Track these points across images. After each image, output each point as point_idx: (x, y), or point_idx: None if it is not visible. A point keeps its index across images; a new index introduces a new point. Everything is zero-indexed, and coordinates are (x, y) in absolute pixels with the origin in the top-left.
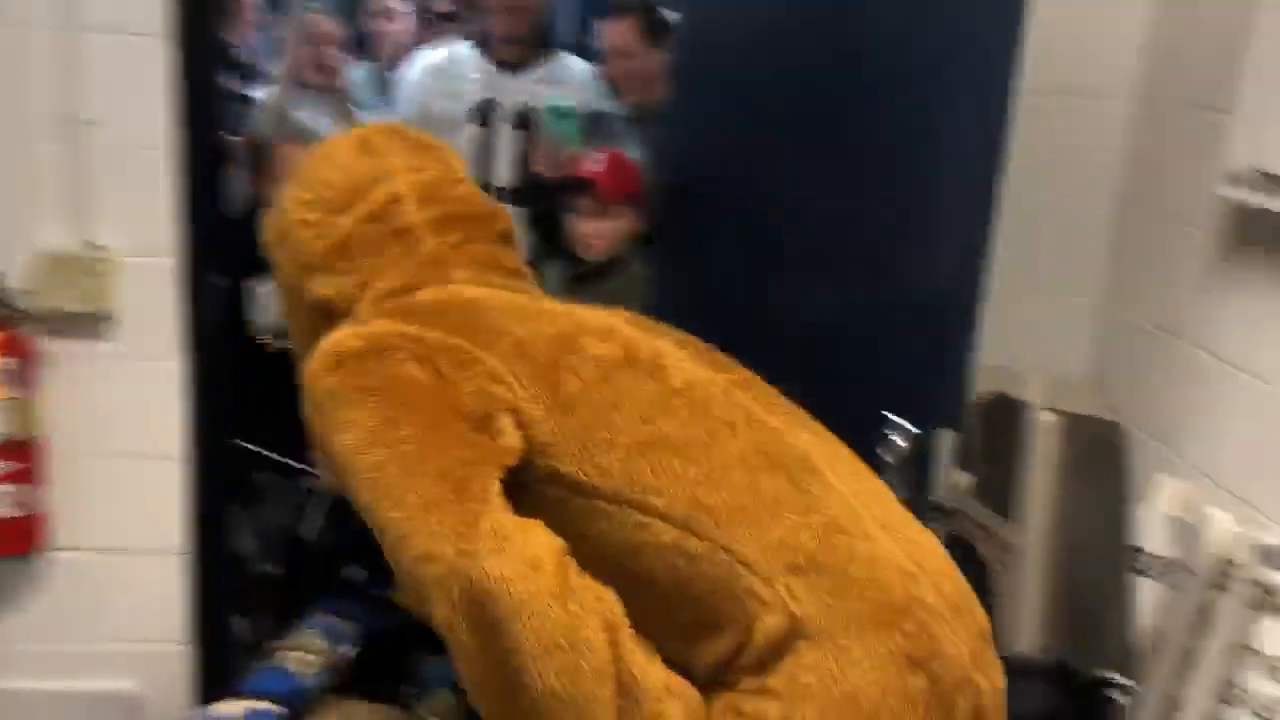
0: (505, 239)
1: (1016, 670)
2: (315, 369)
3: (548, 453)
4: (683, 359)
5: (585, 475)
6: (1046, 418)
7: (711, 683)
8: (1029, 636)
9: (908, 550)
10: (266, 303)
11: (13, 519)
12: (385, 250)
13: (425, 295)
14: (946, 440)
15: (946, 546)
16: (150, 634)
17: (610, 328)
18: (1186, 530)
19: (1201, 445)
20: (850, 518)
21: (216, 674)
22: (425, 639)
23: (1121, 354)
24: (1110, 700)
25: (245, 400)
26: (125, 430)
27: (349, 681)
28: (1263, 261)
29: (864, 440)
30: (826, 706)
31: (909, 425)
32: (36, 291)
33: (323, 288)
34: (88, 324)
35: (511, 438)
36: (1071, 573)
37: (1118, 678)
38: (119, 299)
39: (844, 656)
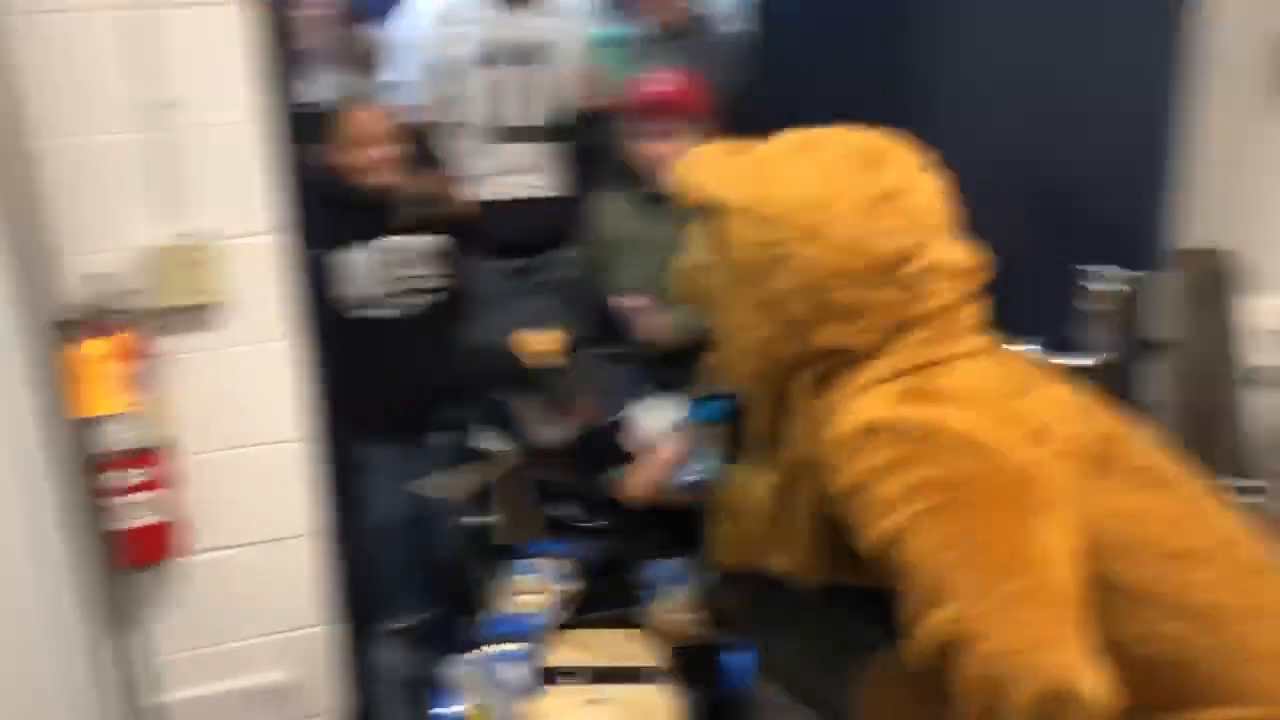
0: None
1: None
2: (860, 438)
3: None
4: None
5: (1115, 575)
6: None
7: None
8: None
9: None
10: (350, 273)
11: (151, 526)
12: (910, 307)
13: (958, 376)
14: (1157, 282)
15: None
16: (295, 621)
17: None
18: None
19: None
20: None
21: (362, 652)
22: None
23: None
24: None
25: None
26: (250, 420)
27: (581, 611)
28: None
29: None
30: None
31: (1115, 270)
32: (141, 290)
33: (833, 338)
34: (198, 316)
35: (1070, 538)
36: (1186, 394)
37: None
38: (227, 285)
39: None
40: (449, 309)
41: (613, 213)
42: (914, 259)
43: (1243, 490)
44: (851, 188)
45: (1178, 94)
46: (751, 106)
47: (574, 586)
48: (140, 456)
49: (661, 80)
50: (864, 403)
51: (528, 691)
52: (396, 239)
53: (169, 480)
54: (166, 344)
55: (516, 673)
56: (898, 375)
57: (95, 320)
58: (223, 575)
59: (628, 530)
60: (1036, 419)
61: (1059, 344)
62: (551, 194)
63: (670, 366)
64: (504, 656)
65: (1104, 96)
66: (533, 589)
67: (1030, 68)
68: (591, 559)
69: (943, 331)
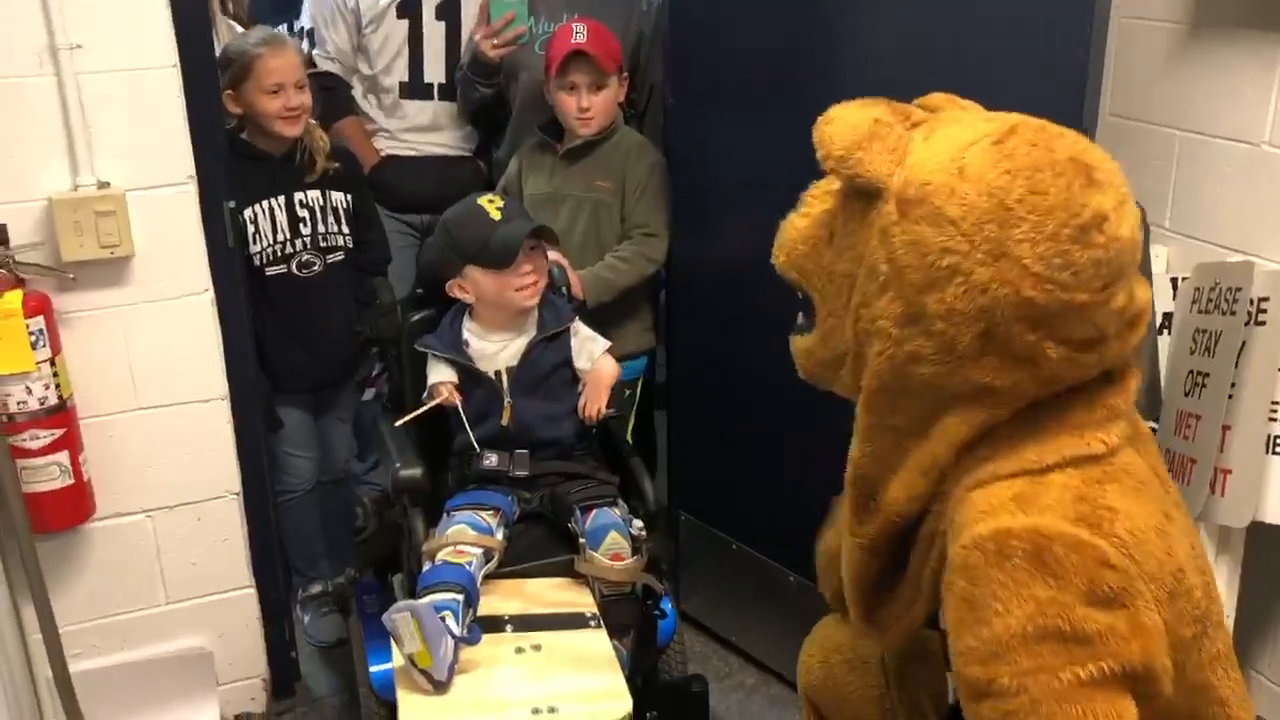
0: None
1: None
2: (1012, 542)
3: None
4: None
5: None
6: None
7: None
8: None
9: None
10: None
11: (64, 489)
12: (1091, 357)
13: (1126, 492)
14: None
15: None
16: (215, 586)
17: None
18: (1205, 287)
19: (1196, 214)
20: None
21: (282, 614)
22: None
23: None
24: None
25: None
26: (166, 378)
27: (515, 560)
28: (1222, 35)
29: None
30: None
31: None
32: (48, 243)
33: (993, 376)
34: (109, 269)
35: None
36: None
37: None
38: (140, 238)
39: None
40: (356, 265)
41: (528, 168)
42: (1114, 300)
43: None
44: (1061, 204)
45: (1094, 46)
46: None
47: (507, 536)
48: (49, 417)
49: (577, 32)
50: (1029, 493)
51: (462, 639)
52: (305, 194)
53: (81, 441)
54: (76, 300)
55: (451, 621)
56: (1062, 465)
57: (0, 275)
58: (138, 540)
59: (561, 479)
60: (1175, 561)
61: None
62: (460, 151)
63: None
64: (439, 605)
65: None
66: (468, 540)
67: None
68: (525, 509)
69: (1105, 406)
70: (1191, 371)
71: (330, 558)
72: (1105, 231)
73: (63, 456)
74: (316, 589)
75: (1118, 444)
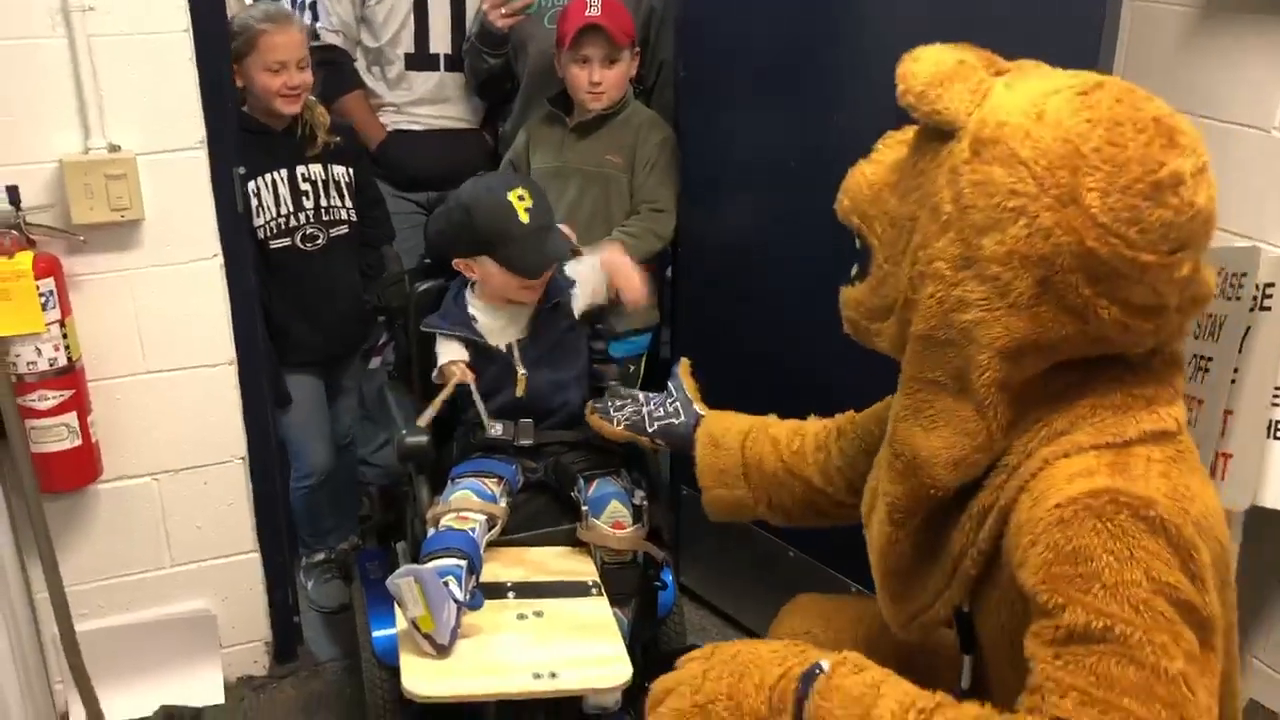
0: None
1: None
2: (1101, 498)
3: None
4: None
5: None
6: None
7: None
8: None
9: None
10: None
11: (71, 450)
12: (1157, 325)
13: (1191, 474)
14: None
15: None
16: (219, 549)
17: None
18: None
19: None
20: None
21: (286, 579)
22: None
23: None
24: None
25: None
26: (175, 342)
27: (518, 528)
28: (1234, 20)
29: None
30: None
31: None
32: (59, 205)
33: (1053, 328)
34: (120, 233)
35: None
36: None
37: None
38: (151, 202)
39: None
40: (358, 239)
41: (536, 142)
42: (1179, 268)
43: None
44: (1138, 159)
45: (1108, 29)
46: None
47: (510, 504)
48: (58, 378)
49: (589, 5)
50: (1121, 462)
51: (465, 604)
52: (307, 168)
53: (89, 403)
54: (86, 262)
55: (454, 586)
56: (1143, 440)
57: (12, 236)
58: (144, 502)
59: (565, 448)
60: (1229, 550)
61: None
62: (466, 124)
63: None
64: (442, 570)
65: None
66: (471, 507)
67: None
68: (529, 478)
69: (1172, 385)
70: (1195, 356)
71: (336, 530)
72: (1180, 194)
73: (71, 418)
74: (320, 556)
75: (1183, 424)
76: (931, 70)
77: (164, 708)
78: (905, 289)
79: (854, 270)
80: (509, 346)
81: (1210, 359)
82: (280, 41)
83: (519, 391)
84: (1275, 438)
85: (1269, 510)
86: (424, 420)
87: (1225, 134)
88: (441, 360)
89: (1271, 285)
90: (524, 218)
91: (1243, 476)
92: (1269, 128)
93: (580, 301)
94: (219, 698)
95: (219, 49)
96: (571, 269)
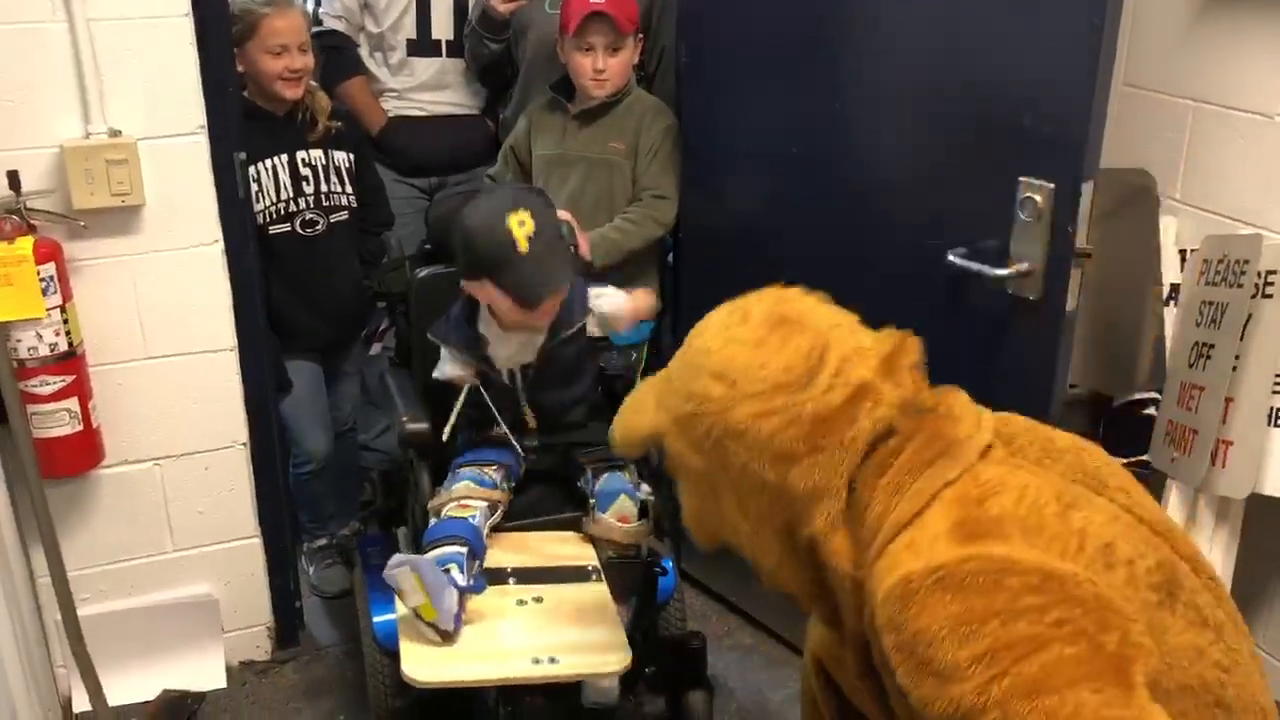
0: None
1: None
2: (915, 587)
3: None
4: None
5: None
6: None
7: None
8: (1075, 369)
9: None
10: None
11: (73, 435)
12: (857, 416)
13: (996, 501)
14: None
15: None
16: (223, 534)
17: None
18: (1213, 259)
19: (1208, 186)
20: None
21: (286, 564)
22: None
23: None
24: (1143, 417)
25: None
26: (177, 327)
27: (522, 517)
28: (1237, 6)
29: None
30: None
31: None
32: (55, 190)
33: (804, 477)
34: (121, 218)
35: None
36: (1103, 311)
37: (1152, 395)
38: (152, 187)
39: None
40: (359, 225)
41: (538, 129)
42: (823, 362)
43: (1145, 403)
44: (747, 353)
45: (1110, 11)
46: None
47: (512, 492)
48: (59, 364)
49: None
50: (914, 546)
51: (467, 589)
52: (307, 153)
53: (90, 389)
54: (87, 248)
55: (456, 572)
56: (929, 502)
57: (12, 221)
58: (146, 487)
59: (570, 441)
60: (1099, 538)
61: (993, 254)
62: (468, 110)
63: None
64: (444, 558)
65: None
66: (473, 494)
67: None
68: (534, 468)
69: (935, 434)
70: (1197, 343)
71: (337, 515)
72: (782, 333)
73: (72, 403)
74: (321, 541)
75: (971, 463)
76: (623, 423)
77: (166, 691)
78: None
79: None
80: (511, 374)
81: (1212, 346)
82: (282, 25)
83: (530, 423)
84: (1276, 425)
85: (1270, 498)
86: (445, 434)
87: (1228, 120)
88: (447, 374)
89: (1274, 273)
90: (523, 246)
91: (1243, 464)
92: (1272, 114)
93: (592, 328)
94: (221, 682)
95: (221, 33)
96: (594, 301)
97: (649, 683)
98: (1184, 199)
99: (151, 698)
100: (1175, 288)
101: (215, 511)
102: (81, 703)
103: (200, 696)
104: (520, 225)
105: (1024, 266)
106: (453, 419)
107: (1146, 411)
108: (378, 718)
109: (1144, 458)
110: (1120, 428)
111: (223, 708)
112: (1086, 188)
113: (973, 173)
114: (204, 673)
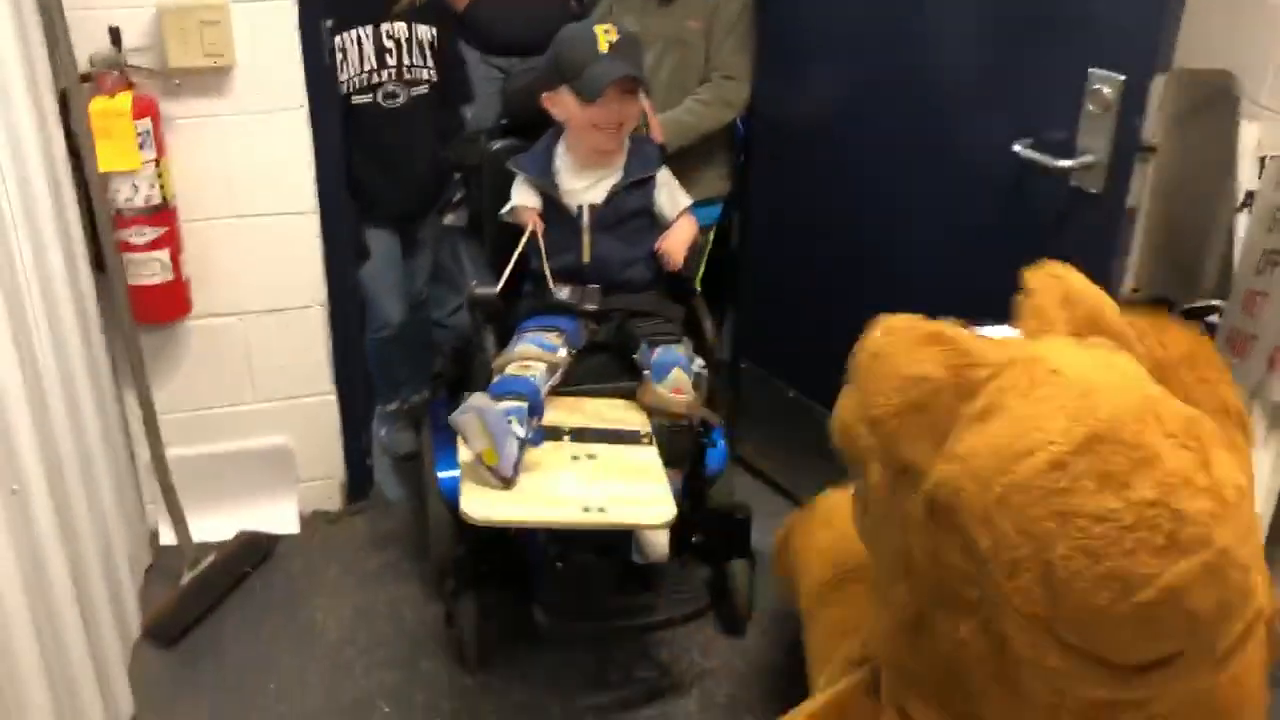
0: None
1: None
2: None
3: None
4: None
5: None
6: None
7: None
8: (1139, 272)
9: None
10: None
11: (163, 285)
12: None
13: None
14: (1157, 86)
15: None
16: (299, 389)
17: None
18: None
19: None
20: None
21: (359, 423)
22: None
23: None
24: (1208, 324)
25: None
26: (258, 189)
27: (580, 382)
28: None
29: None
30: None
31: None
32: (152, 48)
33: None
34: (212, 79)
35: None
36: (1174, 216)
37: (1216, 303)
38: (241, 49)
39: None
40: (439, 99)
41: (621, 4)
42: None
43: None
44: (1109, 572)
45: None
46: None
47: (572, 355)
48: (153, 215)
49: None
50: None
51: (527, 440)
52: (392, 25)
53: (181, 242)
54: (181, 106)
55: (516, 424)
56: None
57: (113, 77)
58: (230, 340)
59: (628, 310)
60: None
61: (1058, 146)
62: None
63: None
64: (506, 411)
65: None
66: (534, 356)
67: None
68: (591, 338)
69: None
70: (1266, 250)
71: (410, 382)
72: (1173, 603)
73: (164, 254)
74: (394, 405)
75: None
76: (893, 392)
77: (243, 532)
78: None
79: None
80: (580, 209)
81: (1277, 251)
82: None
83: (585, 256)
84: None
85: None
86: (501, 281)
87: None
88: (515, 201)
89: None
90: (603, 47)
91: None
92: None
93: (659, 203)
94: (295, 528)
95: None
96: (661, 180)
97: (697, 551)
98: (1270, 105)
99: (230, 537)
100: (1251, 195)
101: (294, 367)
102: (168, 536)
103: (274, 539)
104: (605, 33)
105: (1088, 159)
106: (513, 261)
107: (1209, 319)
108: (437, 566)
109: None
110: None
111: (295, 551)
112: (1156, 81)
113: (1042, 63)
114: (279, 518)
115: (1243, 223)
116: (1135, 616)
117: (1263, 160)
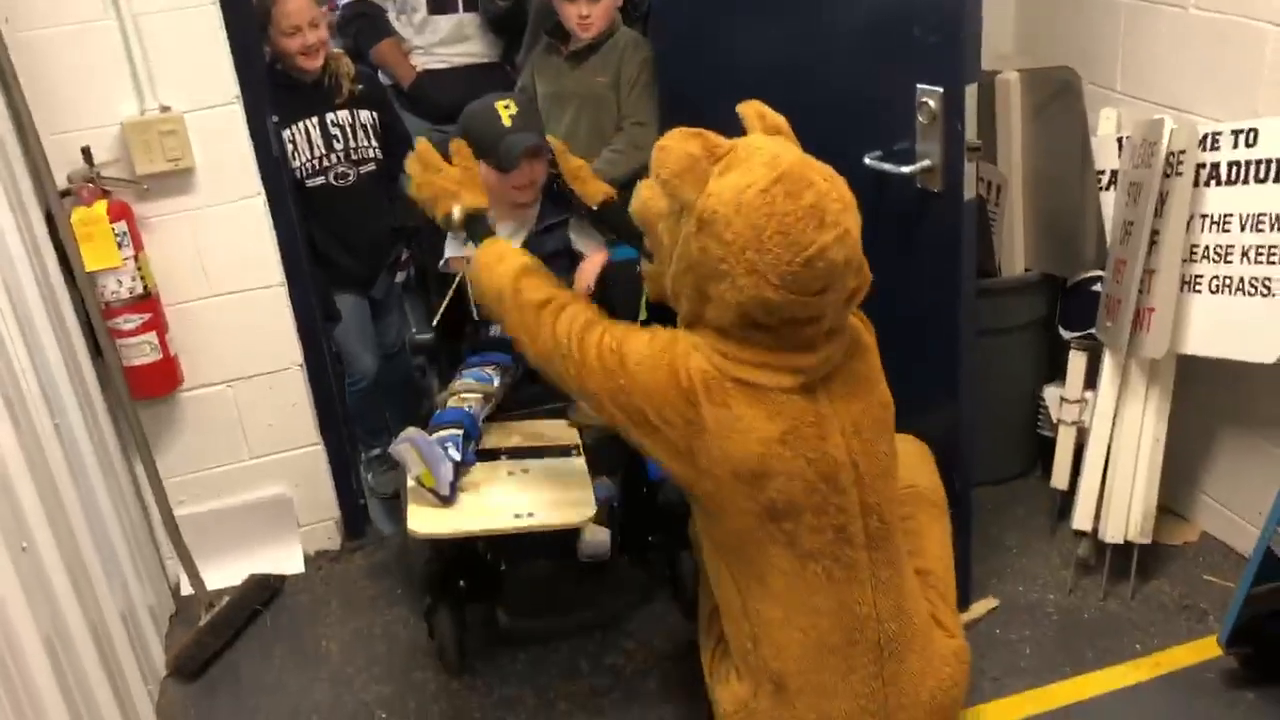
0: None
1: (1011, 289)
2: None
3: None
4: None
5: None
6: (1008, 76)
7: None
8: (1019, 258)
9: None
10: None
11: (154, 364)
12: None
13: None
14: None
15: None
16: (291, 442)
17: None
18: (1136, 143)
19: (1139, 76)
20: None
21: (347, 467)
22: None
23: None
24: (1094, 293)
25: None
26: (229, 270)
27: (515, 408)
28: None
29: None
30: None
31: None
32: (120, 160)
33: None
34: (175, 180)
35: None
36: (1046, 200)
37: (1097, 273)
38: (198, 152)
39: None
40: (387, 173)
41: (539, 70)
42: (823, 300)
43: (1092, 280)
44: (797, 241)
45: None
46: None
47: (507, 385)
48: (139, 303)
49: None
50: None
51: (461, 462)
52: (335, 114)
53: (166, 323)
54: (152, 207)
55: (452, 449)
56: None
57: (89, 189)
58: (221, 405)
59: None
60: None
61: (901, 154)
62: (487, 58)
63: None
64: (442, 439)
65: None
66: (470, 389)
67: None
68: (526, 367)
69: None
70: (1125, 222)
71: (391, 428)
72: (825, 258)
73: (152, 336)
74: (377, 451)
75: (790, 385)
76: (673, 163)
77: (252, 576)
78: (670, 286)
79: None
80: None
81: (1133, 223)
82: (290, 8)
83: None
84: (1192, 291)
85: (1191, 357)
86: (434, 323)
87: (1154, 13)
88: (448, 254)
89: (1182, 153)
90: (506, 121)
91: (1163, 328)
92: (1186, 5)
93: (575, 242)
94: (300, 567)
95: (244, 15)
96: (575, 230)
97: (653, 549)
98: (1125, 89)
99: (240, 582)
100: (1114, 174)
101: (282, 424)
102: (187, 587)
103: (281, 579)
104: (505, 108)
105: (927, 163)
106: (444, 306)
107: (1095, 288)
108: (420, 583)
109: (1092, 330)
110: (1074, 305)
111: (301, 588)
112: (970, 90)
113: (882, 84)
114: (285, 560)
115: (1110, 200)
116: (806, 263)
117: (1120, 141)
